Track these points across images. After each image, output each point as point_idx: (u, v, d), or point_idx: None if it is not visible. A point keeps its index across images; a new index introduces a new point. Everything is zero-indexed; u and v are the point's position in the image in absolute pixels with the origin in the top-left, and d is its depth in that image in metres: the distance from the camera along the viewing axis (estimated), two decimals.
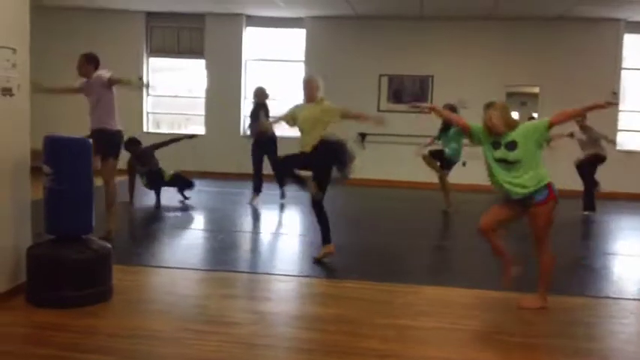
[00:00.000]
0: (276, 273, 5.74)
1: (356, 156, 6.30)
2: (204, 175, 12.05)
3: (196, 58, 13.16)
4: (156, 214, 8.98)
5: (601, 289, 5.68)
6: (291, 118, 6.40)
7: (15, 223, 4.67)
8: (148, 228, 8.30)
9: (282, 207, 9.77)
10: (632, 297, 5.45)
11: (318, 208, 6.14)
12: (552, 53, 12.19)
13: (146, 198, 9.48)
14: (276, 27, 13.04)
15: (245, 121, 13.25)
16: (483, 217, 4.88)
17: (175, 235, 7.65)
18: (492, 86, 12.21)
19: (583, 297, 5.28)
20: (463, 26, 12.33)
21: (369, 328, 4.30)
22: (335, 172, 6.09)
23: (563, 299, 5.13)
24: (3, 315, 4.28)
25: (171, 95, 13.83)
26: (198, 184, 9.96)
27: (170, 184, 9.34)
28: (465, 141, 8.34)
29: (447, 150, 9.44)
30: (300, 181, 6.24)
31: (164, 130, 13.67)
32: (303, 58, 12.93)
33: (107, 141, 6.54)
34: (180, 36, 13.28)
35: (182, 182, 9.40)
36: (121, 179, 8.68)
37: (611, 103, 5.04)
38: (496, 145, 4.76)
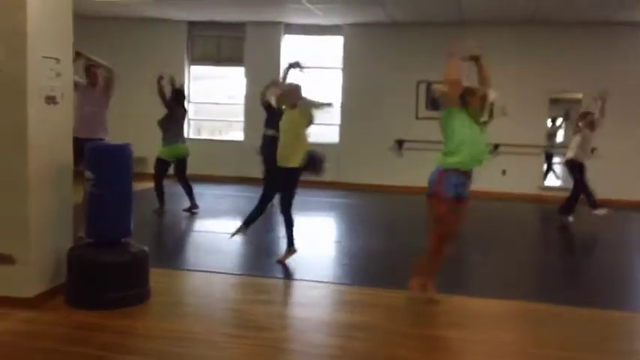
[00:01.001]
0: (309, 279, 5.79)
1: (325, 158, 6.52)
2: (242, 180, 12.20)
3: (236, 65, 13.36)
4: (187, 217, 9.09)
5: None
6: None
7: (57, 225, 4.85)
8: (182, 231, 8.43)
9: (316, 213, 9.80)
10: None
11: (287, 215, 6.38)
12: (597, 59, 11.95)
13: (173, 202, 9.59)
14: (314, 34, 13.14)
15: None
16: None
17: (210, 239, 7.79)
18: (535, 92, 12.08)
19: (623, 311, 5.18)
20: (503, 31, 12.21)
21: (398, 337, 4.32)
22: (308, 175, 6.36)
23: (603, 313, 5.05)
24: (44, 314, 4.45)
25: (212, 102, 14.08)
26: (236, 189, 10.06)
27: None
28: None
29: None
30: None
31: (205, 136, 13.93)
32: (341, 65, 12.99)
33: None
34: (220, 44, 13.51)
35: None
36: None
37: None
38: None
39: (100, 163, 4.80)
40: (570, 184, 9.55)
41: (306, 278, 5.84)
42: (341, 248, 7.69)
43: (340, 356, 4.00)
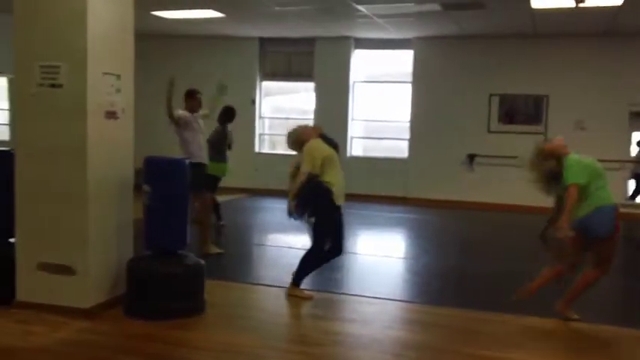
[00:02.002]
0: (366, 295, 5.67)
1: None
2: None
3: (306, 80, 13.46)
4: (242, 230, 9.12)
5: None
6: None
7: (117, 237, 4.98)
8: (238, 244, 8.39)
9: (384, 228, 9.67)
10: None
11: None
12: None
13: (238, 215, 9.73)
14: (384, 49, 13.08)
15: (352, 142, 13.36)
16: None
17: (271, 253, 7.82)
18: (614, 105, 11.56)
19: None
20: (580, 43, 11.75)
21: (451, 357, 4.16)
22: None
23: None
24: (101, 324, 4.56)
25: (283, 117, 14.21)
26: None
27: None
28: None
29: None
30: None
31: (279, 150, 14.04)
32: (411, 79, 12.86)
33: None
34: (291, 60, 13.66)
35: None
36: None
37: None
38: None
39: (156, 177, 4.89)
40: None
41: (365, 294, 5.72)
42: (405, 265, 7.55)
43: None
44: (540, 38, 11.86)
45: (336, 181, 5.33)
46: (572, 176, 4.72)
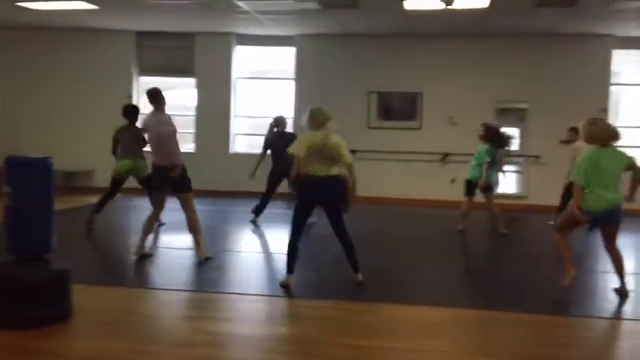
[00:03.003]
0: (243, 292, 5.68)
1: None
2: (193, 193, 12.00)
3: (186, 76, 13.21)
4: (113, 233, 8.90)
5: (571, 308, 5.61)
6: None
7: None
8: (110, 247, 8.14)
9: (268, 225, 9.67)
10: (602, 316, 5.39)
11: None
12: (541, 69, 12.18)
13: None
14: (266, 45, 13.10)
15: (235, 138, 13.29)
16: None
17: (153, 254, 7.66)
18: (482, 102, 12.19)
19: (553, 316, 5.23)
20: (452, 42, 12.35)
21: (327, 349, 4.25)
22: None
23: (528, 317, 5.08)
24: None
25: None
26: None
27: None
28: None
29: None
30: None
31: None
32: (293, 76, 12.95)
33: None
34: (170, 55, 13.35)
35: None
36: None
37: None
38: None
39: (18, 177, 4.63)
40: None
41: (242, 292, 5.72)
42: (277, 260, 7.59)
43: None
44: (414, 37, 12.34)
45: None
46: None
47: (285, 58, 13.09)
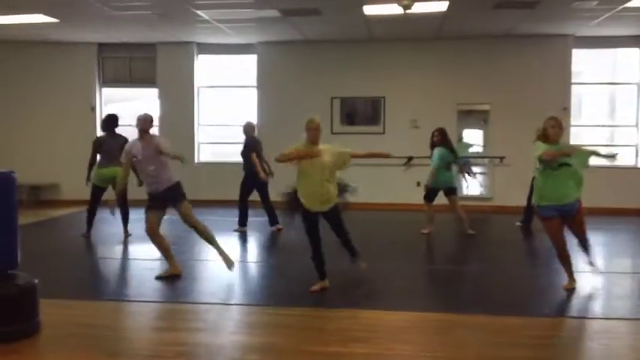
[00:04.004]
0: (213, 302, 5.68)
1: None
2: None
3: (149, 87, 13.15)
4: (91, 244, 8.86)
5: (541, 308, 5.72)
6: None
7: None
8: (79, 259, 8.06)
9: (236, 234, 9.66)
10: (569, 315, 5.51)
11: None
12: (501, 70, 12.40)
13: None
14: (228, 53, 13.11)
15: (199, 148, 13.25)
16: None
17: (109, 266, 7.66)
18: (444, 105, 12.35)
19: (521, 317, 5.25)
20: (412, 47, 12.51)
21: (295, 356, 4.28)
22: None
23: (496, 319, 5.16)
24: None
25: (126, 124, 13.74)
26: None
27: None
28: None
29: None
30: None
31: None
32: (256, 84, 12.99)
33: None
34: (132, 66, 13.27)
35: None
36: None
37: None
38: None
39: None
40: None
41: (212, 301, 5.72)
42: (255, 269, 7.64)
43: None
44: (375, 42, 12.47)
45: None
46: None
47: (248, 66, 13.10)
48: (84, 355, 4.29)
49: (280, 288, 6.33)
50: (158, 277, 6.52)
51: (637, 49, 12.28)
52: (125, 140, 8.45)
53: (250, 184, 9.58)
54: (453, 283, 6.81)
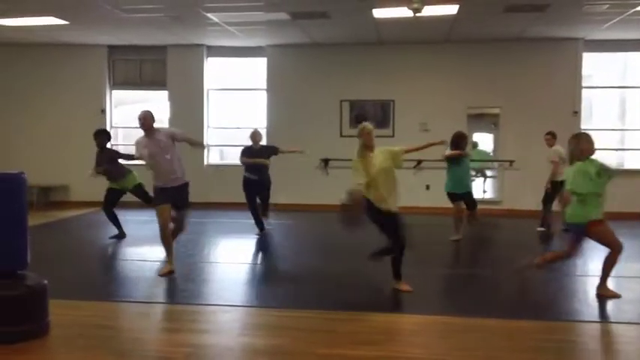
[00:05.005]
0: (220, 304, 5.69)
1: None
2: None
3: (159, 89, 13.19)
4: (88, 246, 8.88)
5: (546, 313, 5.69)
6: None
7: None
8: (91, 260, 8.09)
9: (239, 235, 9.67)
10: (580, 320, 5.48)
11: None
12: (512, 74, 12.37)
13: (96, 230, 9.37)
14: (238, 56, 13.15)
15: (209, 150, 13.28)
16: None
17: (120, 267, 7.69)
18: (454, 109, 12.34)
19: (532, 321, 5.22)
20: (421, 50, 12.51)
21: (305, 359, 4.27)
22: None
23: (507, 323, 5.13)
24: None
25: (134, 127, 13.80)
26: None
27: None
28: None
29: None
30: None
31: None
32: (265, 86, 13.01)
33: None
34: (142, 68, 13.34)
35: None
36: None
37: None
38: None
39: None
40: None
41: (219, 303, 5.73)
42: (261, 270, 7.63)
43: None
44: (385, 45, 12.47)
45: None
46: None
47: (258, 69, 13.12)
48: (93, 356, 4.30)
49: (289, 290, 6.32)
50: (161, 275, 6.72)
51: None
52: (115, 153, 9.07)
53: (246, 189, 9.52)
54: (464, 286, 6.79)
